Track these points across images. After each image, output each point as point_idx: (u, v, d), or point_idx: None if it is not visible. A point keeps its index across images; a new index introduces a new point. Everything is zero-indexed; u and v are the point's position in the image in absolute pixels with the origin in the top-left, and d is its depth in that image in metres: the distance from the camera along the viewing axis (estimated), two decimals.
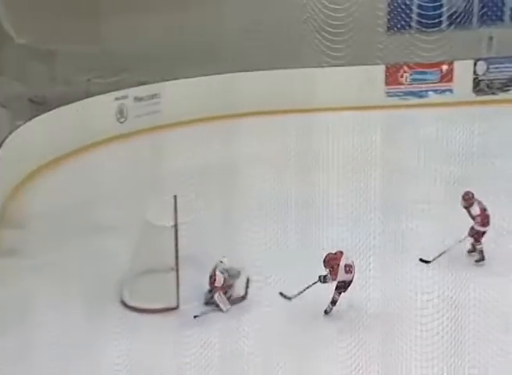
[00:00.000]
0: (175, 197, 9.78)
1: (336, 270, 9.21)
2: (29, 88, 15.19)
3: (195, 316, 9.52)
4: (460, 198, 9.87)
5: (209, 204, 11.14)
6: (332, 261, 9.29)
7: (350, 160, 11.67)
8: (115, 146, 14.97)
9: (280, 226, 11.86)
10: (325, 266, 9.33)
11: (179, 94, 16.15)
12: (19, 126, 13.99)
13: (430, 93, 17.61)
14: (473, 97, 17.21)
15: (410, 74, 17.50)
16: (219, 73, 16.50)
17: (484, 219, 9.74)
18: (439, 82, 17.60)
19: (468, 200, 9.78)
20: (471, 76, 17.51)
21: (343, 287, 9.38)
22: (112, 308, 9.60)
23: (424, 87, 17.67)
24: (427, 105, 16.33)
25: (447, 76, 17.44)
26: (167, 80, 16.65)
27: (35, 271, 10.53)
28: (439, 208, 10.61)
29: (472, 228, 9.84)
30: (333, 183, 12.20)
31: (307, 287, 9.49)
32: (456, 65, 17.37)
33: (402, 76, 17.60)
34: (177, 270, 9.87)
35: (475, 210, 9.78)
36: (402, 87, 17.65)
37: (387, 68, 17.36)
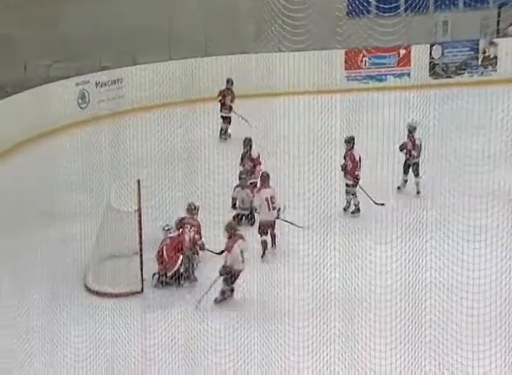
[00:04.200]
0: (138, 181, 9.81)
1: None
2: None
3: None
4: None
5: (173, 188, 11.18)
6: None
7: (311, 143, 11.75)
8: (76, 131, 14.79)
9: None
10: None
11: (141, 79, 16.07)
12: None
13: (388, 76, 17.90)
14: (429, 80, 17.56)
15: (369, 58, 17.74)
16: (181, 58, 16.49)
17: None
18: (396, 66, 17.90)
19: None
20: (427, 60, 17.86)
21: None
22: (76, 293, 9.62)
23: (382, 70, 17.95)
24: (386, 89, 16.55)
25: (404, 60, 17.75)
26: (129, 66, 16.57)
27: None
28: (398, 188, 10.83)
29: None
30: (295, 167, 12.34)
31: None
32: (413, 49, 17.69)
33: (361, 61, 17.83)
34: (141, 255, 9.93)
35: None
36: (361, 71, 17.90)
37: (346, 52, 17.58)
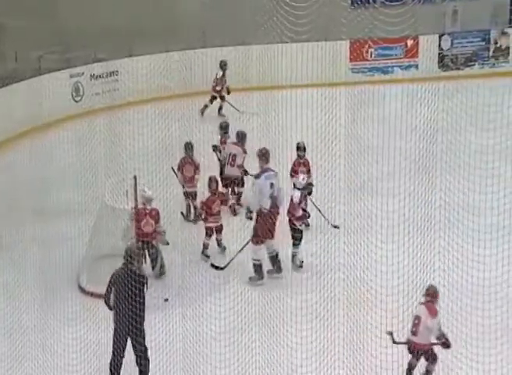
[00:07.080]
0: (135, 177, 9.48)
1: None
2: None
3: (165, 300, 9.30)
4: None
5: (170, 184, 10.89)
6: None
7: (314, 137, 11.46)
8: (70, 125, 14.57)
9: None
10: None
11: (137, 71, 15.80)
12: None
13: (395, 68, 17.59)
14: (438, 72, 17.26)
15: (375, 49, 17.43)
16: (179, 50, 16.17)
17: None
18: (403, 57, 17.59)
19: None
20: (436, 51, 17.56)
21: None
22: (69, 294, 9.33)
23: (389, 62, 17.65)
24: (392, 81, 16.29)
25: (412, 51, 17.46)
26: (125, 57, 16.28)
27: None
28: (405, 185, 10.51)
29: None
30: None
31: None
32: (421, 39, 17.38)
33: (366, 52, 17.51)
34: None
35: None
36: (366, 62, 17.58)
37: (351, 43, 17.26)
